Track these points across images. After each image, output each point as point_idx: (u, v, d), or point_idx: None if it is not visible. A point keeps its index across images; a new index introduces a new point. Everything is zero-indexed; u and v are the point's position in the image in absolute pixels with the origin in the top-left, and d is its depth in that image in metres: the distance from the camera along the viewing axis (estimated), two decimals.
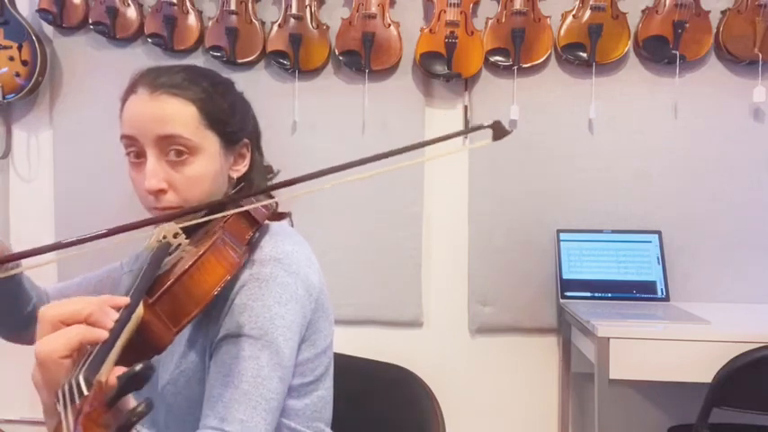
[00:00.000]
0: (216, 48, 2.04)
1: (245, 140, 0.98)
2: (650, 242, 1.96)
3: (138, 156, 0.88)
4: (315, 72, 2.08)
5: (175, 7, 2.05)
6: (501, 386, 2.11)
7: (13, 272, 0.88)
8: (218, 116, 0.90)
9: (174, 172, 0.87)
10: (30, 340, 1.05)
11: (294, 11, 2.02)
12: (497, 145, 0.64)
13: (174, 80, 0.88)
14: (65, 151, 2.19)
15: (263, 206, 0.87)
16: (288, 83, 2.09)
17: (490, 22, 2.00)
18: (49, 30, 2.18)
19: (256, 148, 1.02)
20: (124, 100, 0.90)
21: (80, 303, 0.58)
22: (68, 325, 0.57)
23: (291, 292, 0.86)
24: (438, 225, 2.11)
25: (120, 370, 0.53)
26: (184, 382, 0.87)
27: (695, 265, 1.99)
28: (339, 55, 2.02)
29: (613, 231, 1.98)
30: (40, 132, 2.21)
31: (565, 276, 1.95)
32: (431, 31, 1.98)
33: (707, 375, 1.50)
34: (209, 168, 0.89)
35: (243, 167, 0.98)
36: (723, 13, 1.95)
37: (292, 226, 1.01)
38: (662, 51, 1.94)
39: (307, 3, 2.03)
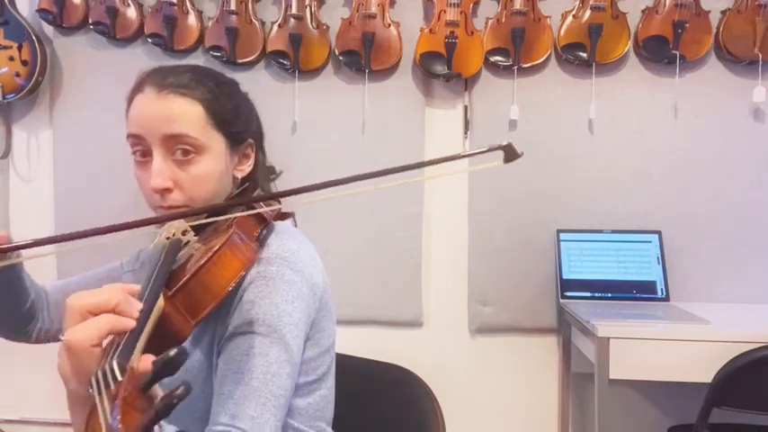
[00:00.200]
0: (216, 48, 2.04)
1: (250, 140, 0.98)
2: (650, 242, 1.96)
3: (145, 155, 0.88)
4: (315, 72, 2.08)
5: (175, 7, 2.05)
6: (501, 386, 2.11)
7: (12, 261, 0.89)
8: (224, 116, 0.91)
9: (179, 171, 0.87)
10: (29, 338, 1.05)
11: (294, 11, 2.02)
12: None
13: (182, 80, 0.89)
14: (65, 151, 2.19)
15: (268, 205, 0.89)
16: (288, 83, 2.09)
17: (490, 22, 2.00)
18: (49, 30, 2.18)
19: (260, 148, 1.03)
20: (131, 99, 0.90)
21: (107, 294, 0.60)
22: (96, 314, 0.59)
23: (297, 290, 0.86)
24: (438, 225, 2.11)
25: (149, 357, 0.55)
26: (189, 381, 0.87)
27: (695, 265, 1.99)
28: (339, 55, 2.02)
29: (613, 231, 1.98)
30: (40, 132, 2.22)
31: (565, 276, 1.95)
32: (431, 31, 1.98)
33: (707, 375, 1.50)
34: (214, 168, 0.90)
35: (247, 167, 0.98)
36: (723, 13, 1.95)
37: (296, 226, 1.01)
38: (662, 51, 1.94)
39: (307, 3, 2.03)
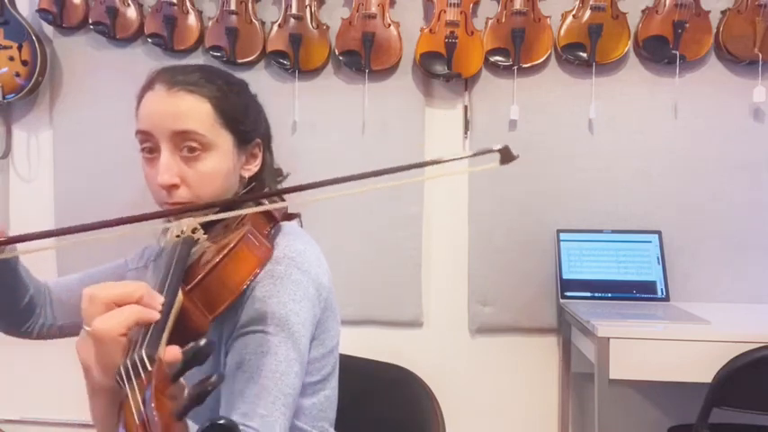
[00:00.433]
0: (216, 48, 2.04)
1: (258, 140, 0.98)
2: (650, 242, 1.96)
3: (153, 151, 0.89)
4: (315, 72, 2.08)
5: (175, 7, 2.05)
6: (501, 386, 2.11)
7: (7, 255, 0.89)
8: (233, 115, 0.92)
9: (187, 167, 0.88)
10: (30, 334, 1.05)
11: (294, 11, 2.02)
12: None
13: (191, 78, 0.90)
14: (65, 151, 2.19)
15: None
16: (288, 83, 2.09)
17: (490, 22, 2.00)
18: (49, 30, 2.18)
19: (267, 149, 1.03)
20: (141, 96, 0.91)
21: (131, 286, 0.61)
22: (120, 305, 0.60)
23: (304, 290, 0.87)
24: (438, 225, 2.11)
25: (175, 348, 0.56)
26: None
27: (695, 265, 1.99)
28: (339, 55, 2.02)
29: (613, 231, 1.98)
30: (40, 132, 2.22)
31: (565, 276, 1.95)
32: (431, 31, 1.98)
33: (707, 375, 1.50)
34: (221, 166, 0.90)
35: (254, 167, 0.99)
36: (723, 13, 1.95)
37: (302, 227, 1.02)
38: (662, 51, 1.94)
39: (307, 3, 2.03)
